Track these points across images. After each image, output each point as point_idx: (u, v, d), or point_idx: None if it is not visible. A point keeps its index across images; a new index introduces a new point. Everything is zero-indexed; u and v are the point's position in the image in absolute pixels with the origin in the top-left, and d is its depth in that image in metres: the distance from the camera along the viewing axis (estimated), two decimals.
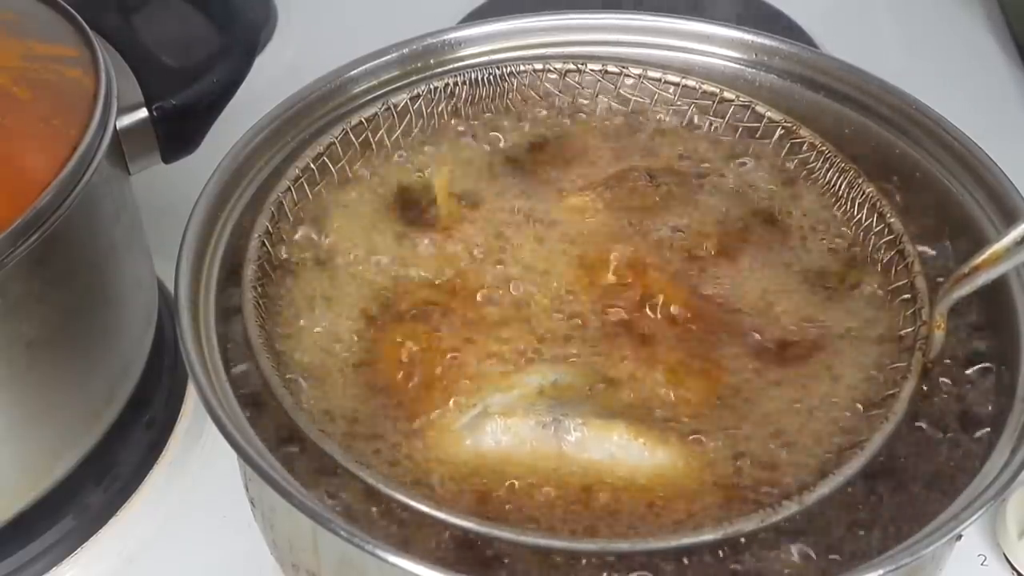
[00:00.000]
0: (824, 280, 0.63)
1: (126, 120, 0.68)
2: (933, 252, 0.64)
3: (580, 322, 0.60)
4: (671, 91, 0.71)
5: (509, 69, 0.70)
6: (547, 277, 0.63)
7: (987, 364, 0.60)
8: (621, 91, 0.71)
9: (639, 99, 0.71)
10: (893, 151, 0.67)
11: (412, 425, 0.56)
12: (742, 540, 0.52)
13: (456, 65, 0.71)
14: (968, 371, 0.60)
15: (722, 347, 0.59)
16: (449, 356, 0.58)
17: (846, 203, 0.65)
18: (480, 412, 0.56)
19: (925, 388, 0.57)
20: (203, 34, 0.73)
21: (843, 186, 0.66)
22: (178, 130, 0.71)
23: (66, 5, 0.71)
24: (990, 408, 0.58)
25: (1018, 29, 1.10)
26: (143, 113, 0.69)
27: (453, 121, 0.70)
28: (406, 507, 0.51)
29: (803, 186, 0.68)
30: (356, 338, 0.60)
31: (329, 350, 0.60)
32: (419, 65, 0.70)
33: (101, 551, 0.72)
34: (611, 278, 0.62)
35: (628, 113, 0.72)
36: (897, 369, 0.57)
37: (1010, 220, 0.60)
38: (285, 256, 0.63)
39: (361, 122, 0.67)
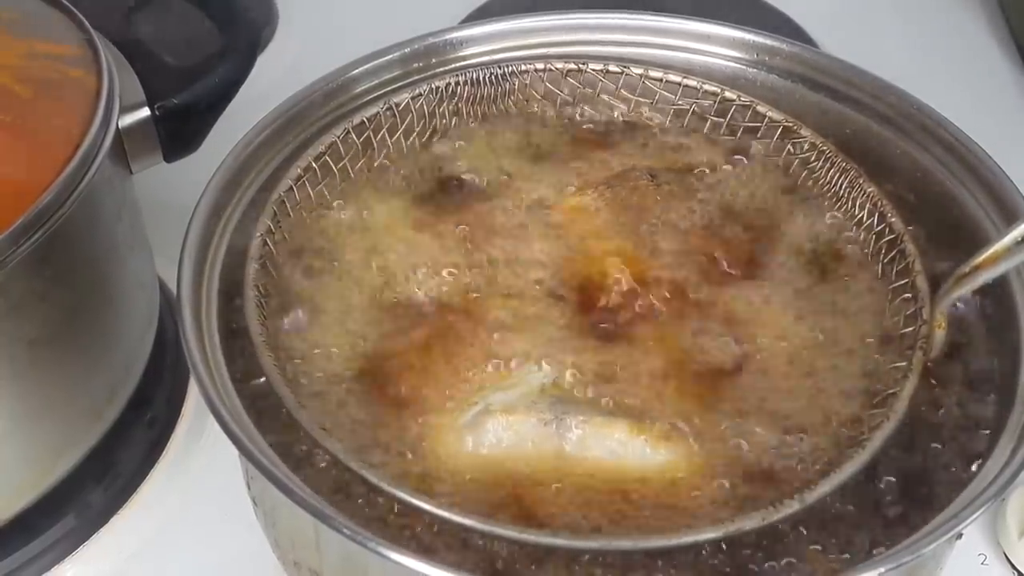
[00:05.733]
0: (825, 279, 0.63)
1: (128, 119, 0.68)
2: (933, 251, 0.64)
3: (582, 320, 0.60)
4: (672, 91, 0.71)
5: (511, 69, 0.70)
6: (549, 276, 0.63)
7: (987, 363, 0.60)
8: (622, 91, 0.71)
9: (640, 99, 0.71)
10: (894, 151, 0.67)
11: (414, 423, 0.56)
12: (744, 538, 0.52)
13: (458, 65, 0.71)
14: (968, 370, 0.60)
15: (724, 346, 0.60)
16: (451, 354, 0.59)
17: (847, 203, 0.66)
18: (481, 410, 0.56)
19: (926, 387, 0.57)
20: (205, 33, 0.73)
21: (844, 186, 0.66)
22: (180, 129, 0.71)
23: (69, 4, 0.71)
24: (990, 407, 0.58)
25: (1018, 29, 1.10)
26: (145, 112, 0.69)
27: (454, 121, 0.70)
28: (408, 505, 0.51)
29: (804, 186, 0.68)
30: (358, 336, 0.60)
31: (331, 348, 0.60)
32: (421, 65, 0.70)
33: (102, 550, 0.72)
34: (613, 277, 0.63)
35: (629, 113, 0.72)
36: (898, 368, 0.57)
37: (1010, 219, 0.60)
38: (287, 255, 0.63)
39: (363, 121, 0.67)
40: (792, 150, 0.68)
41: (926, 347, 0.57)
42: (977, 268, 0.55)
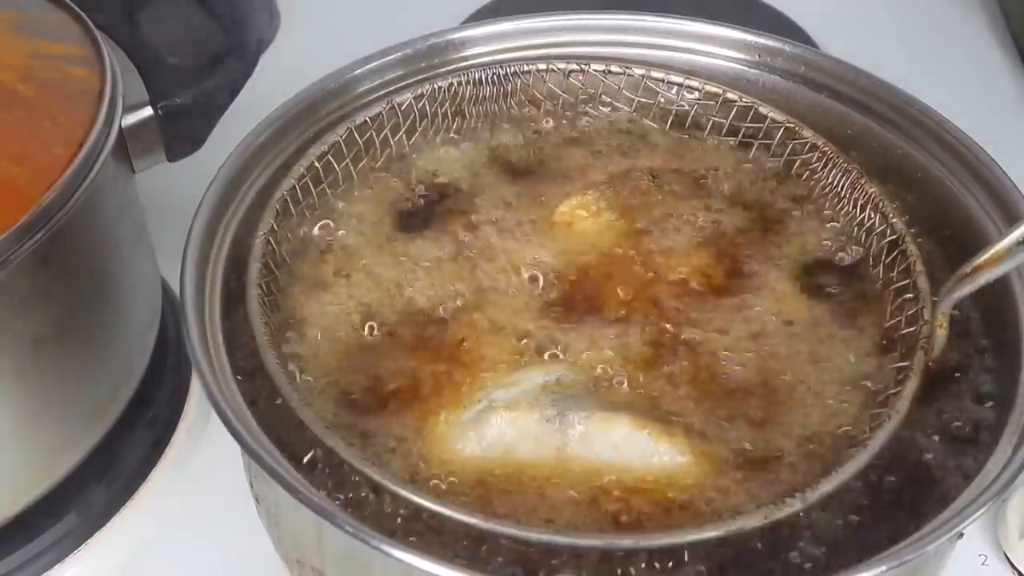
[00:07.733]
0: (827, 280, 0.63)
1: (131, 118, 0.68)
2: (935, 252, 0.64)
3: (584, 318, 0.61)
4: (674, 92, 0.71)
5: (513, 69, 0.71)
6: (550, 275, 0.63)
7: (988, 363, 0.60)
8: (624, 91, 0.71)
9: (642, 99, 0.71)
10: (895, 152, 0.67)
11: (417, 421, 0.57)
12: (746, 536, 0.52)
13: (460, 65, 0.71)
14: (969, 370, 0.60)
15: (725, 344, 0.60)
16: (453, 352, 0.59)
17: (848, 203, 0.66)
18: (484, 407, 0.56)
19: (927, 387, 0.57)
20: (208, 33, 0.73)
21: (845, 186, 0.66)
22: (183, 129, 0.71)
23: (72, 4, 0.71)
24: (991, 407, 0.58)
25: (1018, 29, 1.10)
26: (148, 112, 0.69)
27: (457, 120, 0.70)
28: (411, 503, 0.51)
29: (806, 187, 0.68)
30: (360, 335, 0.60)
31: (333, 347, 0.60)
32: (423, 65, 0.71)
33: (104, 548, 0.72)
34: (614, 276, 0.63)
35: (631, 113, 0.72)
36: (899, 368, 0.57)
37: (1012, 220, 0.60)
38: (290, 254, 0.63)
39: (365, 121, 0.67)
40: (794, 151, 0.68)
41: (927, 347, 0.57)
42: (978, 268, 0.55)
